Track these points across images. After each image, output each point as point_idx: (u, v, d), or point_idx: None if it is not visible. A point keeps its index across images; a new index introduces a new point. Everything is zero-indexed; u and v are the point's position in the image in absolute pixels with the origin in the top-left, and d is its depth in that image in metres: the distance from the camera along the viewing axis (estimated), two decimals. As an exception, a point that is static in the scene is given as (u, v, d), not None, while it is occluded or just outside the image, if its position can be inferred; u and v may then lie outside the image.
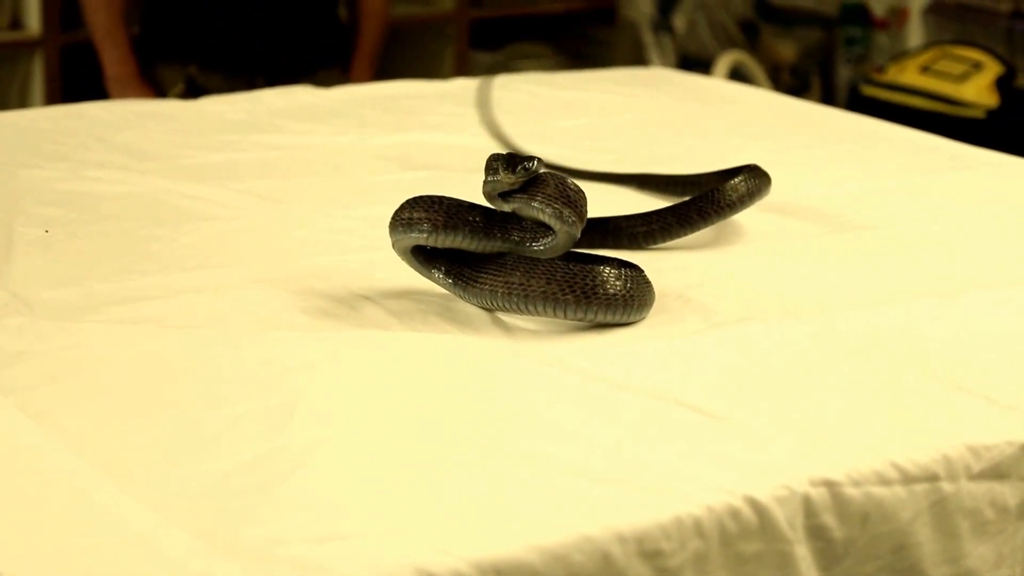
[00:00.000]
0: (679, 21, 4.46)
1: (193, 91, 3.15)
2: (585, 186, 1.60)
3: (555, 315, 1.53)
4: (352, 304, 1.61)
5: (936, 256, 1.83)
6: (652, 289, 1.58)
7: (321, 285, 1.66)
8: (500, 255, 1.57)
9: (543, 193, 1.55)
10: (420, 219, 1.55)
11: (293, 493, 1.22)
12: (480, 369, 1.46)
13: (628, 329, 1.55)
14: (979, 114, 3.43)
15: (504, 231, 1.58)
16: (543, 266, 1.54)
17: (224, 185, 2.05)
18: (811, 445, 1.33)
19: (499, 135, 2.15)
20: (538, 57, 4.55)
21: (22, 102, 3.90)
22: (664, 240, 1.82)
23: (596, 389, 1.42)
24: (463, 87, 2.72)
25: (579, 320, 1.54)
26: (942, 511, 1.33)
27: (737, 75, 3.95)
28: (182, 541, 1.15)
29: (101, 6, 3.30)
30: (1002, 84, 3.48)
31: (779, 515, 1.25)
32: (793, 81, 4.24)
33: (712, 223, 1.83)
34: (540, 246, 1.58)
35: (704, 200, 1.82)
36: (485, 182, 1.56)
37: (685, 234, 1.83)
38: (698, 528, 1.22)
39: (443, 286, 1.61)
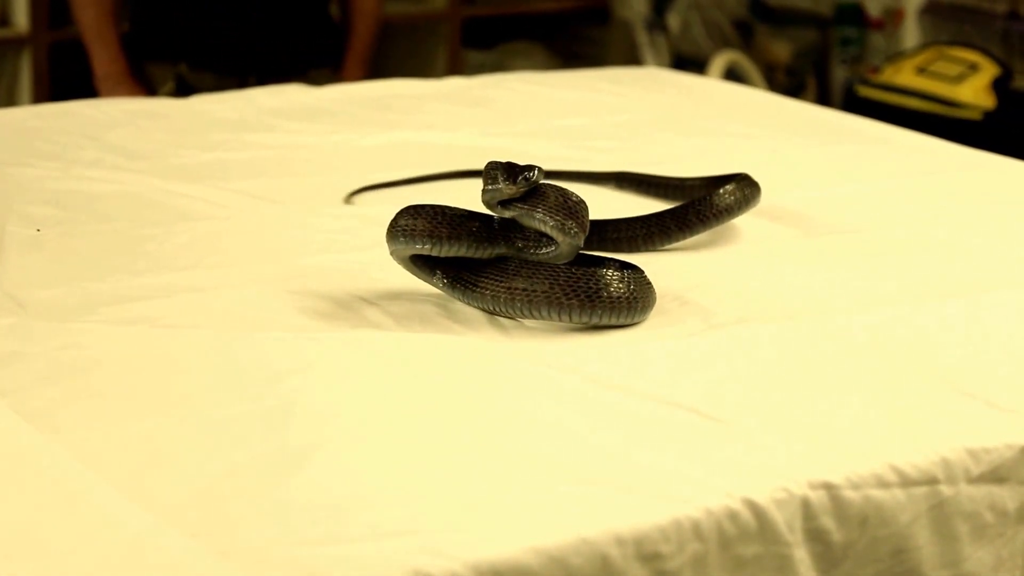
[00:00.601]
0: (673, 20, 4.45)
1: (183, 90, 3.13)
2: (574, 187, 1.60)
3: (559, 319, 1.53)
4: (348, 304, 1.60)
5: (933, 258, 1.83)
6: (653, 291, 1.57)
7: (317, 285, 1.65)
8: (500, 258, 1.56)
9: (544, 204, 1.53)
10: (422, 231, 1.53)
11: (290, 495, 1.21)
12: (478, 370, 1.46)
13: (627, 331, 1.55)
14: (975, 115, 3.43)
15: (507, 238, 1.57)
16: (545, 270, 1.53)
17: (217, 184, 2.04)
18: (810, 448, 1.33)
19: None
20: (531, 56, 4.55)
21: (10, 100, 3.89)
22: (662, 244, 1.82)
23: (594, 391, 1.41)
24: (456, 86, 2.72)
25: (583, 324, 1.53)
26: (941, 514, 1.32)
27: (732, 75, 3.94)
28: (178, 543, 1.14)
29: (90, 3, 3.27)
30: (998, 85, 3.47)
31: (778, 518, 1.25)
32: (788, 81, 4.23)
33: (710, 227, 1.83)
34: (543, 254, 1.57)
35: (702, 204, 1.82)
36: (484, 191, 1.54)
37: (683, 238, 1.82)
38: (697, 531, 1.21)
39: (443, 290, 1.60)
